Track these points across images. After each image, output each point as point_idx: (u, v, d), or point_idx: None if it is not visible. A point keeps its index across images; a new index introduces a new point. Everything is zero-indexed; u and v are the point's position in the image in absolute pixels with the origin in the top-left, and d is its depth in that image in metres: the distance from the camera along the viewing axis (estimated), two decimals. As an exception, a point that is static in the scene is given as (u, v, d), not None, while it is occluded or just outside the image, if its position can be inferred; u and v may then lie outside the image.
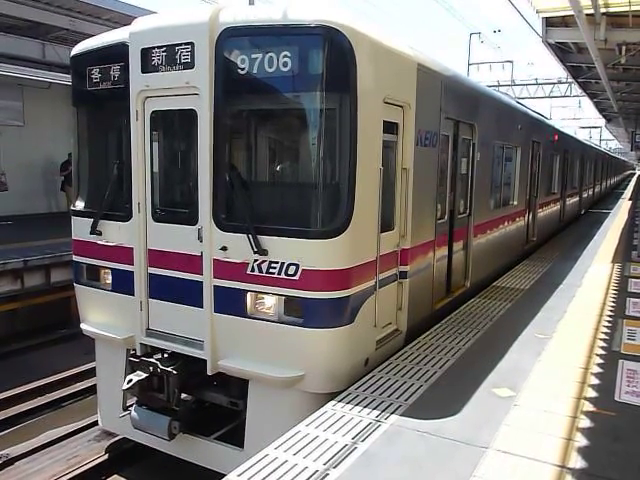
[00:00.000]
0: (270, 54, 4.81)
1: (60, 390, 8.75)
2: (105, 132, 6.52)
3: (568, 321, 7.12)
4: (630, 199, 34.05)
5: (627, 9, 9.62)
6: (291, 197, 5.62)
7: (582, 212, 23.50)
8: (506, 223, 10.71)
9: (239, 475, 3.60)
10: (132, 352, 5.94)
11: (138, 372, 5.63)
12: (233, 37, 5.00)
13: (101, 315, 6.24)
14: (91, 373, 8.58)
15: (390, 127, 5.69)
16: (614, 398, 4.88)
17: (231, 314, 5.22)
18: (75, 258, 6.40)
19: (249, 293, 5.13)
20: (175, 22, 5.27)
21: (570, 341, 6.32)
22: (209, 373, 5.39)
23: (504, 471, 3.68)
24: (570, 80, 24.92)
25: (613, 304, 7.97)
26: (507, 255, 11.13)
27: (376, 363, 5.56)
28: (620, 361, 5.74)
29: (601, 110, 28.69)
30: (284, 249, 4.92)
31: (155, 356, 5.81)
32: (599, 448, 4.01)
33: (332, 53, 4.78)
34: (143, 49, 5.36)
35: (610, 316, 7.34)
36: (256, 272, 5.04)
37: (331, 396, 4.85)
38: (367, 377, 5.20)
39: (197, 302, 5.36)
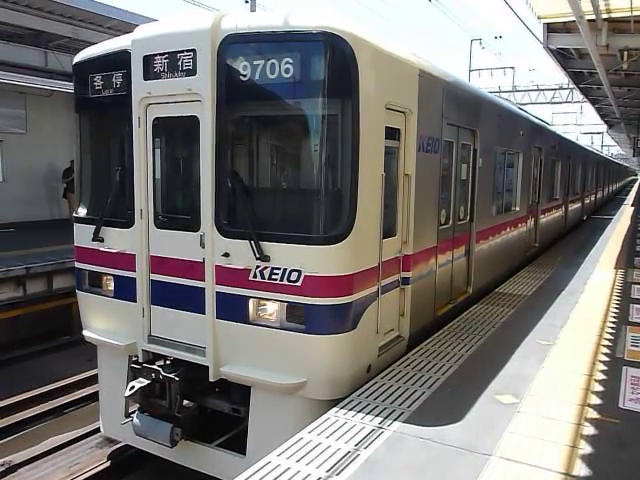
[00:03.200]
0: (272, 60, 4.83)
1: (62, 397, 8.74)
2: (107, 139, 6.54)
3: (571, 328, 7.09)
4: (632, 205, 34.01)
5: (629, 14, 9.63)
6: (293, 203, 5.62)
7: (584, 218, 23.46)
8: (508, 229, 10.69)
9: (241, 482, 3.59)
10: (134, 359, 5.93)
11: (140, 379, 5.63)
12: (235, 44, 5.02)
13: (103, 322, 6.24)
14: (93, 380, 8.59)
15: (392, 133, 5.69)
16: (618, 405, 4.85)
17: (233, 320, 5.21)
18: (77, 265, 6.40)
19: (251, 299, 5.12)
20: (177, 29, 5.29)
21: (573, 348, 6.29)
22: (211, 380, 5.38)
23: (508, 479, 3.66)
24: (572, 86, 24.96)
25: (616, 310, 7.94)
26: (509, 261, 11.10)
27: (378, 370, 5.54)
28: (624, 368, 5.71)
29: (603, 116, 28.70)
30: (286, 255, 4.92)
31: (157, 363, 5.81)
32: (603, 456, 3.98)
33: (334, 59, 4.79)
34: (145, 56, 5.38)
35: (613, 322, 7.31)
36: (258, 278, 5.04)
37: (333, 403, 4.83)
38: (370, 384, 5.18)
39: (199, 308, 5.35)
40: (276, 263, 4.95)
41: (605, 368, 5.66)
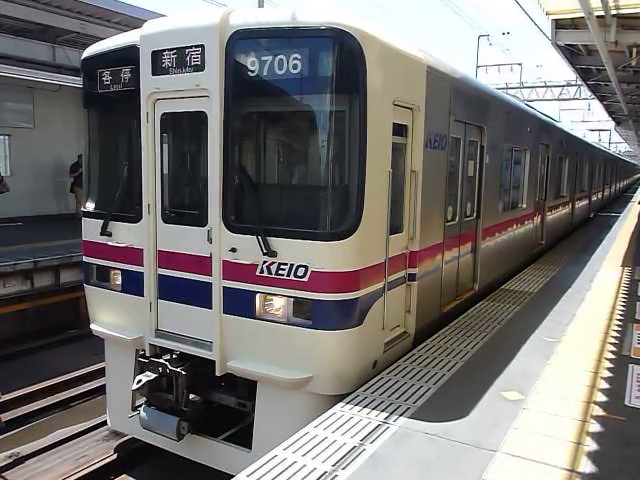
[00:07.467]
0: (280, 56, 4.83)
1: (69, 390, 8.80)
2: (115, 134, 6.56)
3: (577, 325, 7.08)
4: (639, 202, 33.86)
5: (638, 11, 9.54)
6: (300, 199, 5.64)
7: (591, 215, 23.38)
8: (515, 226, 10.67)
9: (248, 475, 3.61)
10: (141, 353, 5.97)
11: (147, 373, 5.66)
12: (243, 39, 5.03)
13: (111, 316, 6.28)
14: (100, 373, 8.66)
15: (399, 129, 5.69)
16: (624, 403, 4.85)
17: (240, 315, 5.23)
18: (85, 259, 6.44)
19: (258, 294, 5.14)
20: (185, 25, 5.30)
21: (579, 345, 6.28)
22: (218, 374, 5.41)
23: (513, 474, 3.67)
24: (579, 82, 24.78)
25: (623, 308, 7.92)
26: (516, 258, 11.09)
27: (384, 365, 5.56)
28: (630, 365, 5.70)
29: (611, 113, 28.46)
30: (293, 251, 4.93)
31: (164, 357, 5.84)
32: (609, 453, 3.98)
33: (342, 55, 4.79)
34: (154, 52, 5.39)
35: (620, 320, 7.30)
36: (265, 273, 5.05)
37: (339, 398, 4.85)
38: (375, 379, 5.20)
39: (206, 303, 5.38)
40: (283, 258, 4.96)
41: (611, 366, 5.66)
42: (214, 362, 5.39)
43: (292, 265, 4.93)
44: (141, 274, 5.76)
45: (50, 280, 11.46)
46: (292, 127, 5.68)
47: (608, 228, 18.53)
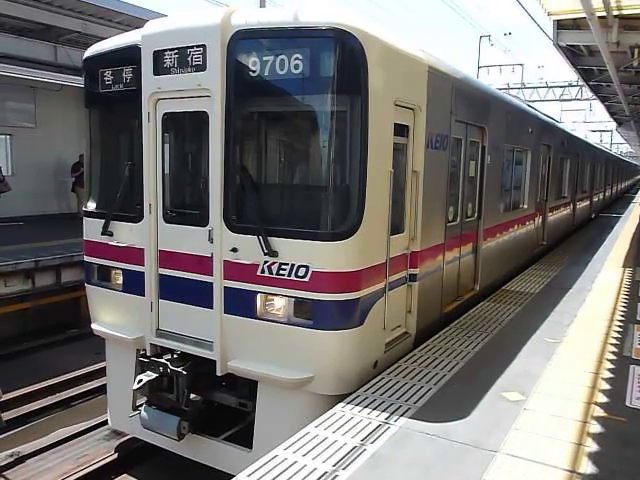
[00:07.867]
0: (282, 56, 4.84)
1: (70, 389, 8.80)
2: (117, 134, 6.57)
3: (578, 326, 7.08)
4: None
5: (640, 11, 9.54)
6: (302, 199, 5.64)
7: (593, 216, 23.36)
8: (516, 227, 10.67)
9: (249, 475, 3.61)
10: (142, 352, 5.98)
11: (148, 372, 5.68)
12: (245, 39, 5.03)
13: (112, 315, 6.28)
14: (101, 373, 8.66)
15: (401, 130, 5.69)
16: (625, 404, 4.85)
17: (241, 315, 5.24)
18: (86, 258, 6.45)
19: (259, 294, 5.14)
20: (187, 25, 5.31)
21: (580, 346, 6.28)
22: (218, 374, 5.41)
23: (514, 475, 3.67)
24: (581, 83, 24.76)
25: (624, 309, 7.92)
26: (517, 259, 11.08)
27: (385, 366, 5.56)
28: (631, 366, 5.70)
29: (612, 114, 28.44)
30: (294, 251, 4.94)
31: (165, 356, 5.85)
32: (610, 454, 3.98)
33: (343, 55, 4.79)
34: (155, 51, 5.40)
35: (621, 321, 7.29)
36: (266, 273, 5.06)
37: (340, 398, 4.85)
38: (376, 379, 5.20)
39: (207, 303, 5.38)
40: (284, 259, 4.97)
41: (612, 366, 5.65)
42: (215, 362, 5.40)
43: (293, 265, 4.94)
44: (142, 274, 5.77)
45: (51, 279, 11.47)
46: (293, 127, 5.68)
47: (609, 229, 18.52)
